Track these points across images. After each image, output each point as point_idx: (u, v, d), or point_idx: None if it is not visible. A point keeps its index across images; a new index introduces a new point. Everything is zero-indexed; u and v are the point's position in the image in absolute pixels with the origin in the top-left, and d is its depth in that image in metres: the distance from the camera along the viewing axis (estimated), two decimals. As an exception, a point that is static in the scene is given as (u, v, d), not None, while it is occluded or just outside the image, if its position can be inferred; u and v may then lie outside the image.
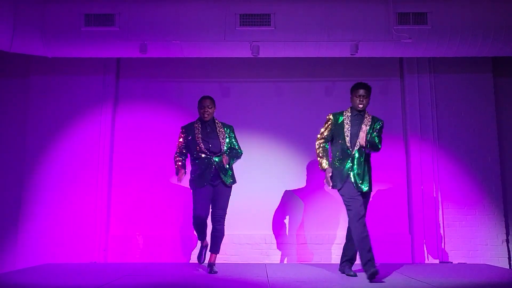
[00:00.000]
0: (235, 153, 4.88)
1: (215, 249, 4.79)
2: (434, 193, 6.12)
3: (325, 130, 4.56)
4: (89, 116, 6.29)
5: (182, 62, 6.42)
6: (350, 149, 4.40)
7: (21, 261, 5.87)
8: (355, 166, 4.36)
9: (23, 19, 5.48)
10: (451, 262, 5.83)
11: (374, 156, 6.34)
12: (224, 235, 4.80)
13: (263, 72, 6.48)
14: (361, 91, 4.46)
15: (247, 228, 6.08)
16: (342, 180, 4.38)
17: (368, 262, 4.12)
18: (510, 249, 6.03)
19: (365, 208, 4.42)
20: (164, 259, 5.99)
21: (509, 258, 5.98)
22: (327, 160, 4.49)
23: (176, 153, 4.86)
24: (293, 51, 5.81)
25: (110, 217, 6.19)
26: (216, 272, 4.62)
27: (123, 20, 5.55)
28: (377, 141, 4.45)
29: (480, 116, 6.28)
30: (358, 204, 4.29)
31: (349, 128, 4.44)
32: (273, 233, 6.13)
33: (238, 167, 4.96)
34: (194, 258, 5.82)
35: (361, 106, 4.45)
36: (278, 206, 6.18)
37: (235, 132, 4.93)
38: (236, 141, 4.92)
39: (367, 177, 4.40)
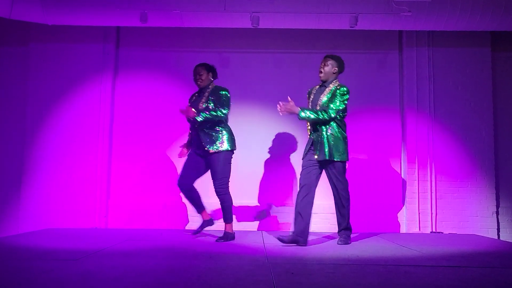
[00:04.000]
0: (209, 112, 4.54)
1: (225, 218, 4.67)
2: (428, 165, 6.22)
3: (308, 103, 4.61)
4: (89, 84, 6.32)
5: (182, 32, 6.42)
6: None
7: (23, 226, 6.00)
8: (312, 133, 4.44)
9: (23, -15, 5.46)
10: (442, 232, 5.98)
11: (370, 128, 6.39)
12: (231, 202, 4.66)
13: (263, 43, 6.49)
14: (322, 61, 4.52)
15: (245, 197, 6.19)
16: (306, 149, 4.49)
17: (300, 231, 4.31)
18: (499, 221, 6.18)
19: (336, 179, 4.44)
20: (164, 226, 6.13)
21: (498, 229, 6.14)
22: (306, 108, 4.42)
23: None
24: (293, 22, 5.81)
25: (110, 184, 6.30)
26: (221, 240, 4.55)
27: (123, -12, 5.54)
28: (319, 113, 4.30)
29: (477, 90, 6.32)
30: (305, 172, 4.41)
31: (311, 99, 4.52)
32: (271, 202, 6.26)
33: (237, 137, 4.91)
34: (191, 225, 5.95)
35: (320, 74, 4.50)
36: (276, 176, 6.29)
37: (229, 94, 4.64)
38: (218, 101, 4.58)
39: (326, 146, 4.30)
